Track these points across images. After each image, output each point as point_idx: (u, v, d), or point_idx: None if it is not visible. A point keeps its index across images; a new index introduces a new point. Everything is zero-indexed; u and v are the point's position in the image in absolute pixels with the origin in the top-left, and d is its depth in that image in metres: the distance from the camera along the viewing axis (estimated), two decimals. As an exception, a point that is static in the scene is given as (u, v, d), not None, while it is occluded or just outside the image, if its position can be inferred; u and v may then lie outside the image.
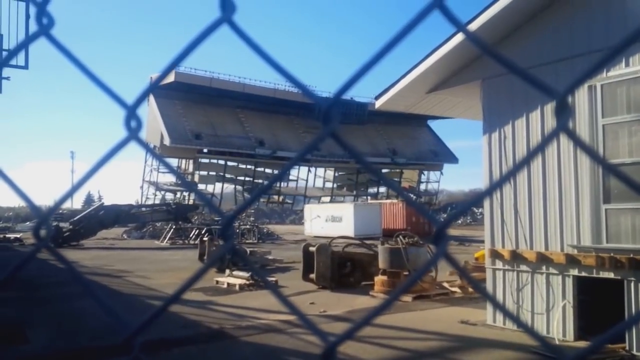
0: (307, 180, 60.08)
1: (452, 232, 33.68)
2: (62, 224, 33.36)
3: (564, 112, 0.65)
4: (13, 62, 13.00)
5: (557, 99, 0.66)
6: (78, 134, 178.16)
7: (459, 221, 55.22)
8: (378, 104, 11.48)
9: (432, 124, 65.18)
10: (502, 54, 0.70)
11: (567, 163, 8.54)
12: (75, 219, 33.56)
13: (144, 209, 38.09)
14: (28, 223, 46.84)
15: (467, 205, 0.81)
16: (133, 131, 0.81)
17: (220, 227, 0.81)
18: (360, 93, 56.45)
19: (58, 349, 8.25)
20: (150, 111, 50.52)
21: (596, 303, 8.22)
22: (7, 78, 14.36)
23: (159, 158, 0.84)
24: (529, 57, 8.87)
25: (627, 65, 7.83)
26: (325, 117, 0.74)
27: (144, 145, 0.82)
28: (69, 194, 0.84)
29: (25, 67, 13.82)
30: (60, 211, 48.65)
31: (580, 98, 8.19)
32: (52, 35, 0.81)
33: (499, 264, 9.44)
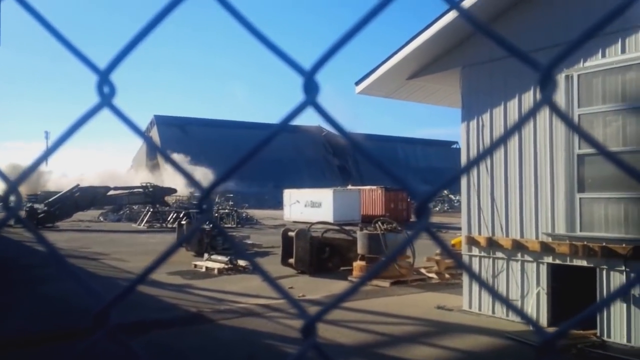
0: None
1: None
2: (36, 205, 32.80)
3: (548, 86, 0.65)
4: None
5: (541, 72, 0.65)
6: (53, 114, 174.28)
7: (436, 208, 55.68)
8: (358, 89, 11.45)
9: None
10: (491, 29, 0.69)
11: (543, 152, 8.65)
12: (50, 200, 33.05)
13: (120, 191, 37.58)
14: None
15: (448, 181, 0.80)
16: (105, 97, 0.78)
17: (197, 199, 0.78)
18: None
19: (32, 332, 8.14)
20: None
21: (569, 290, 8.39)
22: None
23: (133, 126, 0.81)
24: (520, 40, 8.83)
25: (603, 56, 7.92)
26: (306, 86, 0.72)
27: (118, 112, 0.79)
28: (37, 164, 0.81)
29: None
30: (35, 193, 47.74)
31: (558, 87, 8.28)
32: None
33: (475, 251, 9.56)
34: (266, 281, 0.83)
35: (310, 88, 0.72)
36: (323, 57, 0.72)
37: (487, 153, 0.73)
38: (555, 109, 0.68)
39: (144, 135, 0.80)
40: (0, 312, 9.15)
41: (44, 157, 0.82)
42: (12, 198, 0.80)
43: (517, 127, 0.72)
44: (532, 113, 0.67)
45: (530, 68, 0.67)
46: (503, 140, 0.71)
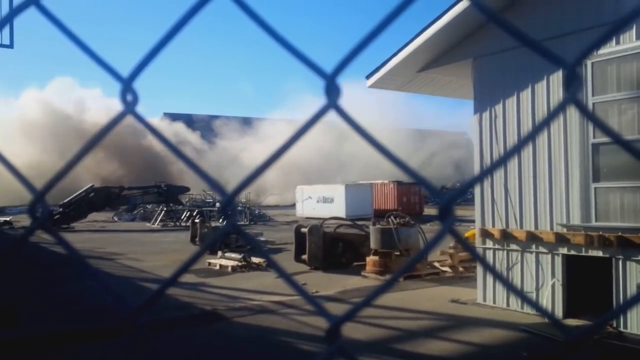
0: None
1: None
2: (52, 207, 33.07)
3: (574, 83, 0.64)
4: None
5: (566, 69, 0.64)
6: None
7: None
8: (369, 82, 11.41)
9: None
10: (509, 22, 0.68)
11: (557, 142, 8.57)
12: (65, 201, 33.30)
13: (134, 190, 37.77)
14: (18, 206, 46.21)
15: (472, 182, 0.79)
16: (129, 105, 0.79)
17: (222, 204, 0.79)
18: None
19: (50, 332, 8.23)
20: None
21: (585, 281, 8.33)
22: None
23: (155, 132, 0.81)
24: (535, 28, 8.55)
25: (617, 43, 7.82)
26: (328, 89, 0.72)
27: (141, 120, 0.80)
28: (65, 172, 0.82)
29: (10, 46, 13.53)
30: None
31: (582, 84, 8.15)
32: (42, 4, 0.78)
33: (489, 243, 9.52)
34: (288, 283, 0.83)
35: (332, 91, 0.72)
36: (344, 60, 0.72)
37: (514, 152, 0.72)
38: (581, 107, 0.67)
39: (167, 142, 0.80)
40: (16, 313, 9.25)
41: (69, 167, 0.83)
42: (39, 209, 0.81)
43: (544, 125, 0.71)
44: (558, 112, 0.66)
45: (554, 64, 0.66)
46: (531, 137, 0.70)
